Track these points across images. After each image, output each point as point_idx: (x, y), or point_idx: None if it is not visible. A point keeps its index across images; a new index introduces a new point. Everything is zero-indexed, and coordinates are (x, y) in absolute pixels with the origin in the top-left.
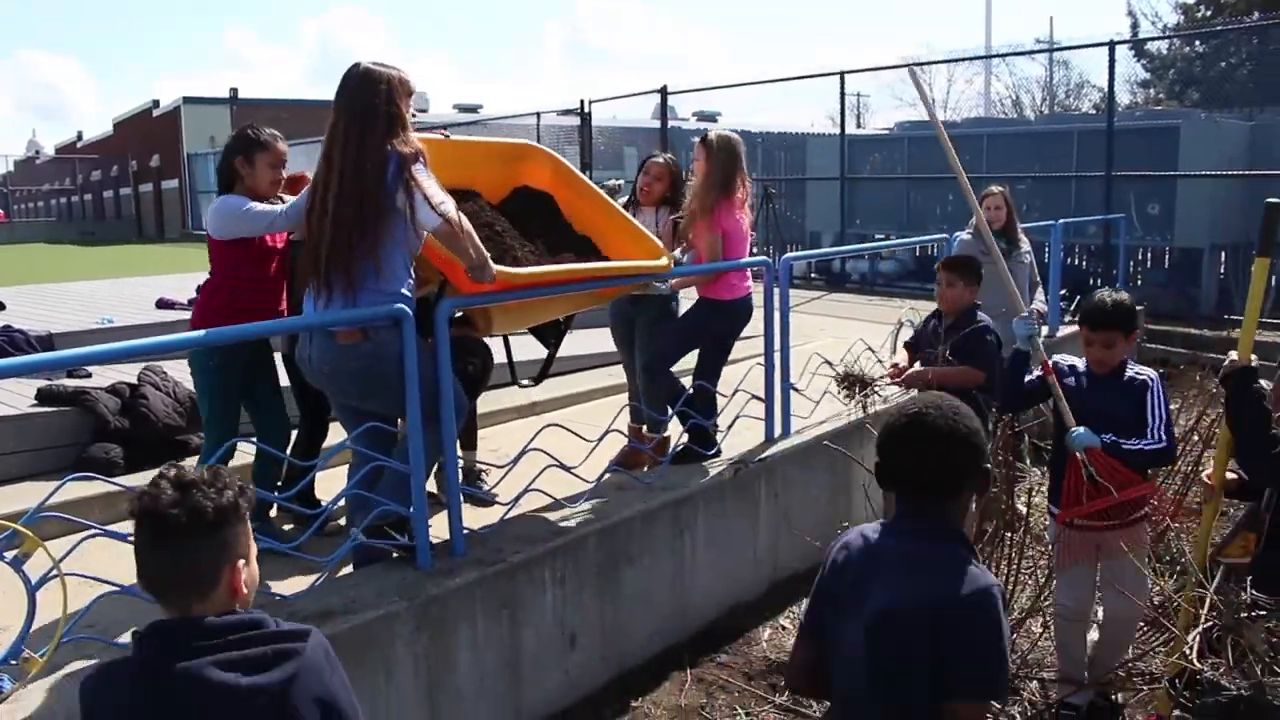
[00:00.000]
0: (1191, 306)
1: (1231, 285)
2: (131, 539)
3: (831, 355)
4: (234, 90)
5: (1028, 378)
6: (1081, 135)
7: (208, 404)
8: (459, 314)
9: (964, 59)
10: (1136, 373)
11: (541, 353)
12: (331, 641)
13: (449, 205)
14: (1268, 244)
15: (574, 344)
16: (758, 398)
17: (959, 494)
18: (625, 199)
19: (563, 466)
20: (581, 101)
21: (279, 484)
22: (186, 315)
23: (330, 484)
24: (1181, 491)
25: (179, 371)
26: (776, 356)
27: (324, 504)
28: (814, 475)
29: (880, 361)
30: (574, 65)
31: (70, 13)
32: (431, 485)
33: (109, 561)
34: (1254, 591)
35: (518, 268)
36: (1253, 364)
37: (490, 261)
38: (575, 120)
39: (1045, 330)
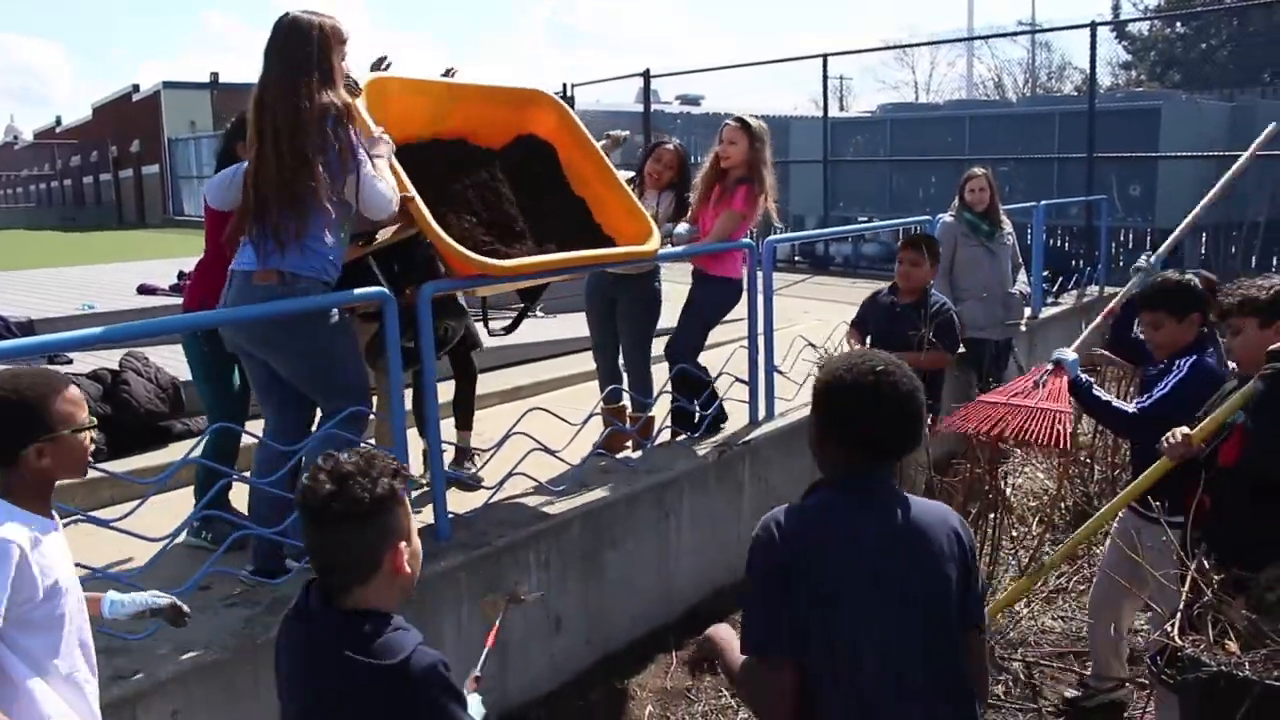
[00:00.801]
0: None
1: (1213, 265)
2: (115, 524)
3: (815, 338)
4: (214, 75)
5: None
6: (1063, 117)
7: (200, 388)
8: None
9: (946, 41)
10: (1181, 360)
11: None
12: None
13: (391, 195)
14: None
15: (556, 328)
16: (742, 380)
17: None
18: (629, 177)
19: (547, 450)
20: (564, 85)
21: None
22: (168, 301)
23: None
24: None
25: (161, 357)
26: (760, 339)
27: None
28: (797, 458)
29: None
30: (556, 47)
31: None
32: (418, 467)
33: (90, 547)
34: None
35: (505, 260)
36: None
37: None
38: None
39: (1027, 312)
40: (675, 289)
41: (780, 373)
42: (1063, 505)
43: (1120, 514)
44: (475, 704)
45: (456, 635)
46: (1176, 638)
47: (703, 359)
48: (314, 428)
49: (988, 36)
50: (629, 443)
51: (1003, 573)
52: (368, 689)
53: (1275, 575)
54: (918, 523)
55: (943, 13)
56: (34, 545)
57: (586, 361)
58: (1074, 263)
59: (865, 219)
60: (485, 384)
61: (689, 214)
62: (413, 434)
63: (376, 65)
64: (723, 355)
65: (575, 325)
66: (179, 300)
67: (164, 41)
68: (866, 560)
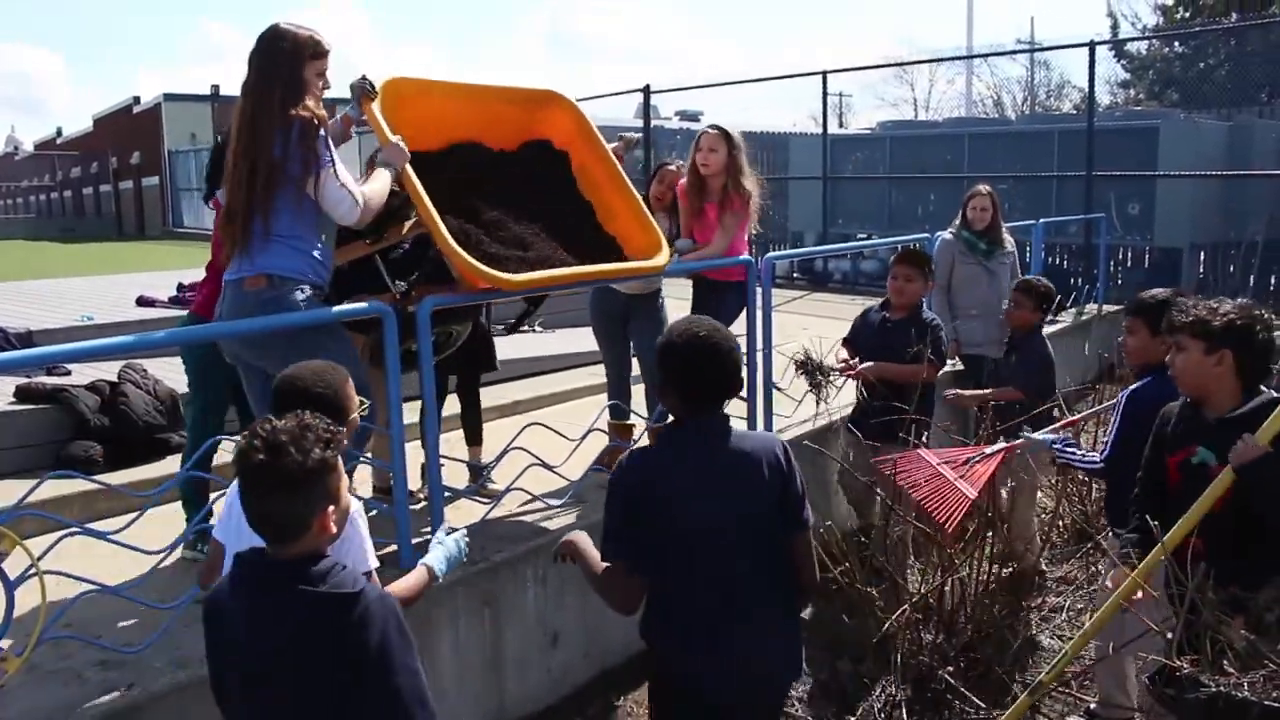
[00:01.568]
0: None
1: (1211, 284)
2: (112, 537)
3: (814, 355)
4: (215, 87)
5: None
6: (1062, 135)
7: (191, 395)
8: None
9: (945, 59)
10: (1123, 391)
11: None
12: None
13: (358, 193)
14: None
15: (555, 343)
16: (740, 397)
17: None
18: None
19: (545, 465)
20: None
21: None
22: (167, 313)
23: None
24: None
25: (159, 369)
26: (759, 356)
27: None
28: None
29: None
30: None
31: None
32: (415, 482)
33: (88, 560)
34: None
35: (516, 275)
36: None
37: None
38: None
39: None
40: (676, 305)
41: (779, 389)
42: (1061, 524)
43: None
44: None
45: (454, 652)
46: (1175, 658)
47: None
48: None
49: (987, 55)
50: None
51: (999, 594)
52: (333, 618)
53: (1273, 595)
54: (744, 450)
55: (942, 30)
56: None
57: (585, 377)
58: (1073, 281)
59: (864, 236)
60: (484, 399)
61: (681, 228)
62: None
63: (359, 86)
64: None
65: (574, 340)
66: (178, 312)
67: (164, 52)
68: (701, 482)
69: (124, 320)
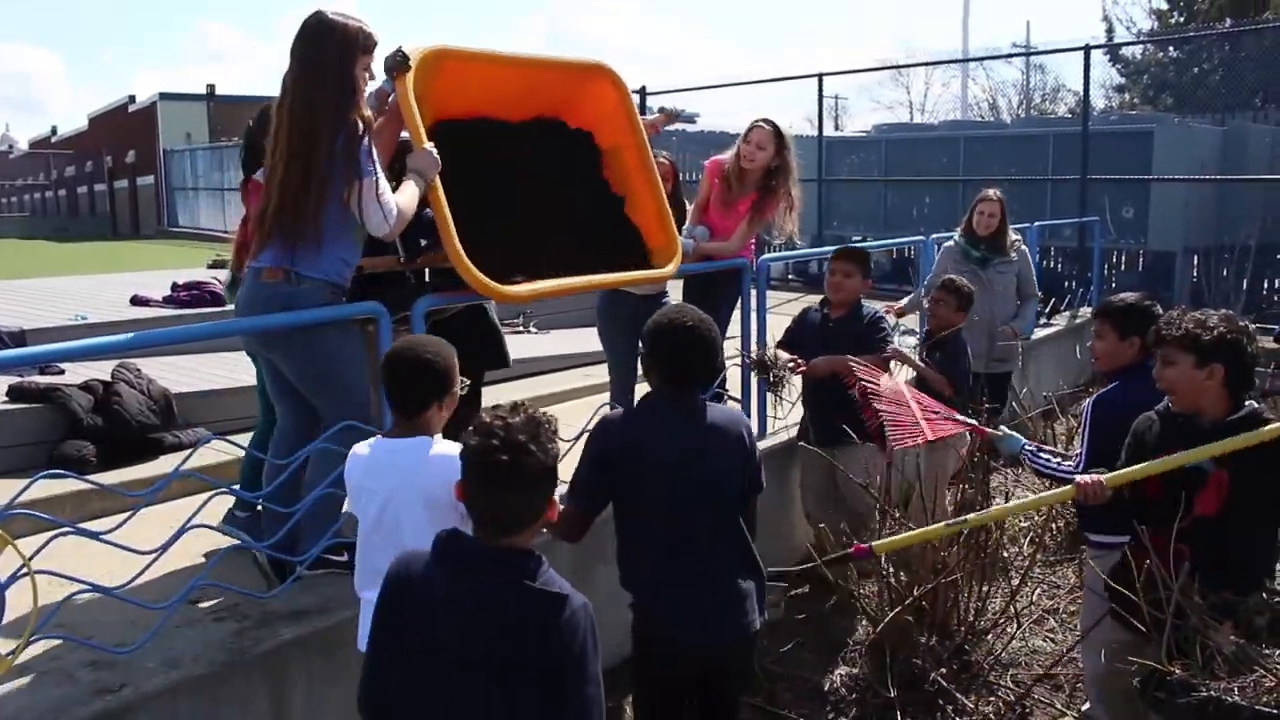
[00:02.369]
0: (1164, 309)
1: (1204, 288)
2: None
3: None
4: (211, 87)
5: None
6: (1057, 138)
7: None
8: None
9: (941, 62)
10: (1087, 402)
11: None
12: (305, 643)
13: (392, 208)
14: None
15: (550, 344)
16: (735, 398)
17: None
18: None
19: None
20: None
21: None
22: (162, 312)
23: None
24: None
25: (153, 369)
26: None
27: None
28: (789, 476)
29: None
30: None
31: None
32: None
33: (80, 560)
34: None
35: (522, 288)
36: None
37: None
38: None
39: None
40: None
41: (773, 391)
42: (1054, 526)
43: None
44: None
45: None
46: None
47: None
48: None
49: (983, 58)
50: None
51: (993, 592)
52: (540, 615)
53: (1262, 600)
54: (715, 424)
55: (938, 33)
56: None
57: (578, 378)
58: (1067, 284)
59: (859, 238)
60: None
61: (693, 211)
62: None
63: (393, 59)
64: None
65: (570, 341)
66: (172, 312)
67: (160, 51)
68: (673, 449)
69: (118, 319)
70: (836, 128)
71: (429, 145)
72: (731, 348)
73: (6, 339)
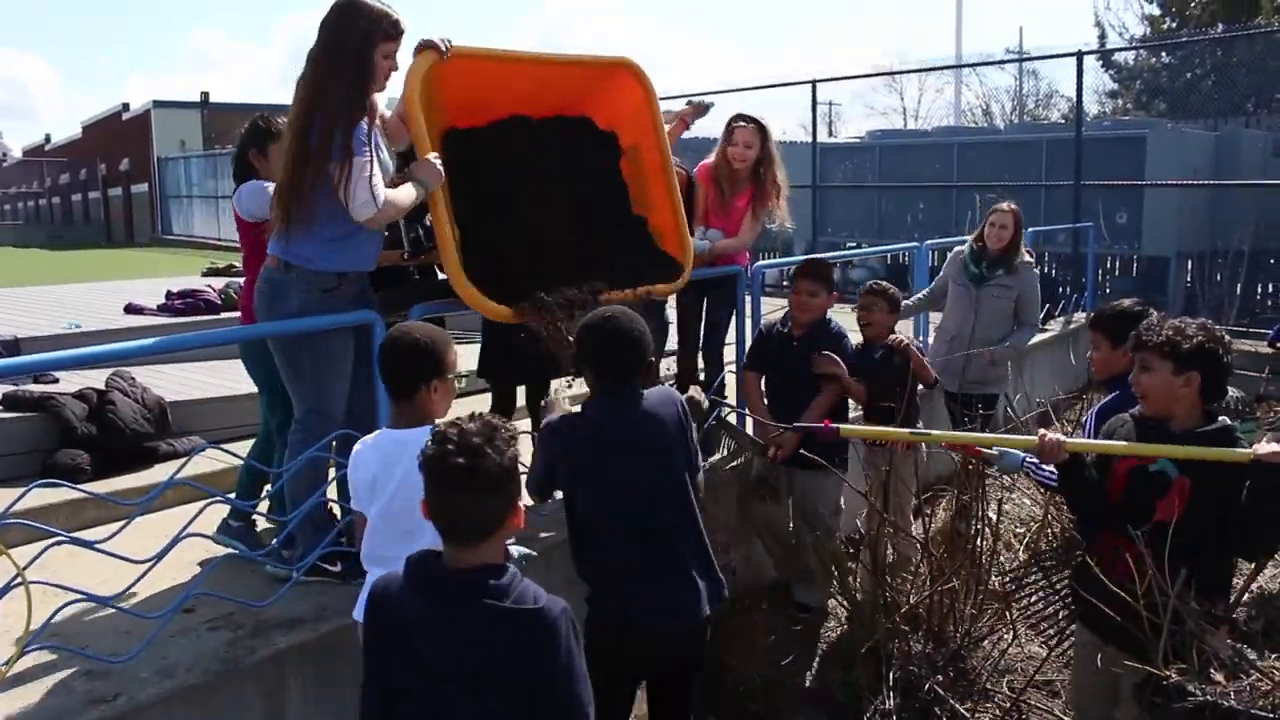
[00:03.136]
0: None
1: (1198, 293)
2: (98, 546)
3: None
4: (205, 94)
5: None
6: (1050, 144)
7: (263, 399)
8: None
9: (935, 68)
10: (1086, 419)
11: None
12: (300, 651)
13: (380, 194)
14: None
15: None
16: (733, 406)
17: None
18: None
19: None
20: None
21: None
22: (156, 320)
23: None
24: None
25: (147, 377)
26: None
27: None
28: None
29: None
30: None
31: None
32: None
33: (74, 569)
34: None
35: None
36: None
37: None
38: None
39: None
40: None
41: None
42: (1050, 532)
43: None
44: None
45: None
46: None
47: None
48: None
49: (976, 64)
50: None
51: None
52: (518, 635)
53: (1256, 606)
54: (652, 409)
55: (931, 39)
56: None
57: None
58: (1061, 290)
59: (853, 244)
60: (477, 405)
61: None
62: None
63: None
64: None
65: None
66: (166, 320)
67: (155, 59)
68: (617, 444)
69: (112, 328)
70: (830, 134)
71: (433, 156)
72: (730, 352)
73: (0, 347)
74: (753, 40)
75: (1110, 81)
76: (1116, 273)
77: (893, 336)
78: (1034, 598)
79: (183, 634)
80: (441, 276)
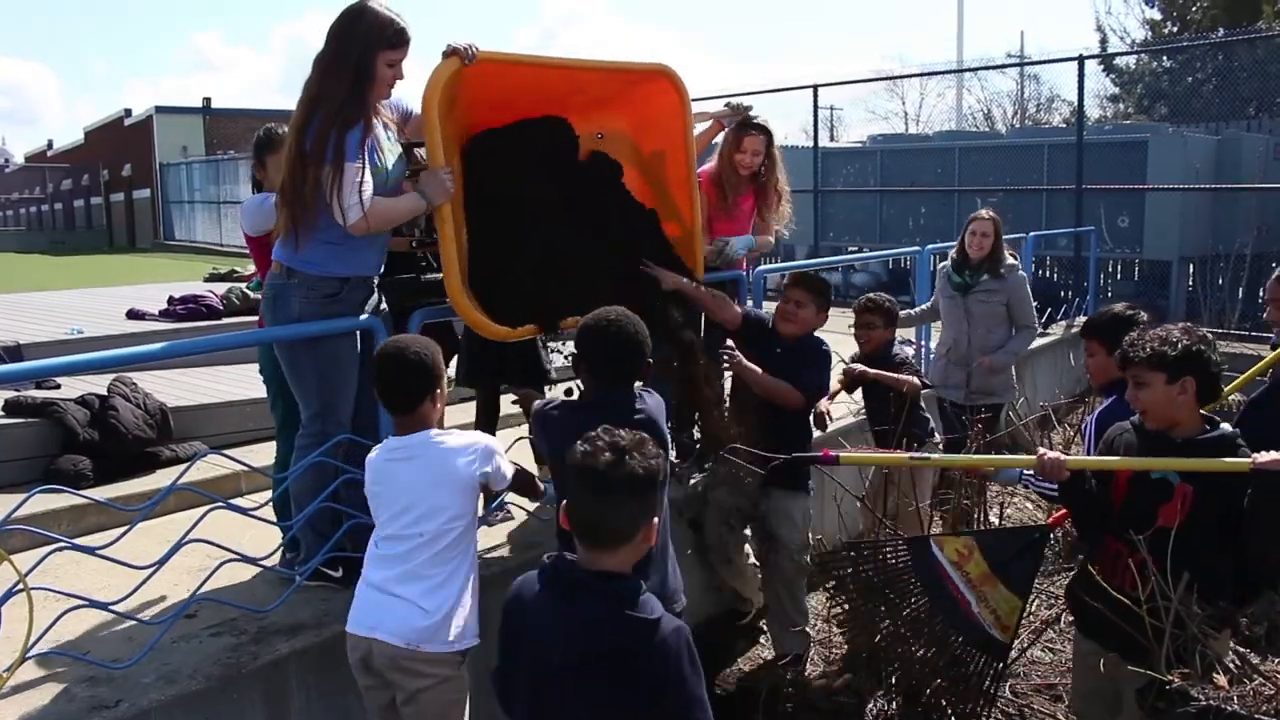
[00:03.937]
0: (1160, 318)
1: (1200, 297)
2: (100, 552)
3: None
4: (207, 100)
5: None
6: (1052, 149)
7: (278, 410)
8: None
9: (936, 73)
10: (1085, 429)
11: None
12: (304, 656)
13: (365, 203)
14: None
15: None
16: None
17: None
18: None
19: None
20: None
21: None
22: (158, 326)
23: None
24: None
25: (149, 383)
26: None
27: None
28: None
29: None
30: None
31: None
32: None
33: (77, 575)
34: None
35: (512, 328)
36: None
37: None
38: None
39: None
40: None
41: None
42: (1052, 537)
43: None
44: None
45: None
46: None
47: None
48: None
49: (977, 69)
50: None
51: None
52: (633, 641)
53: (1260, 610)
54: (642, 411)
55: (933, 44)
56: None
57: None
58: (1063, 294)
59: (855, 249)
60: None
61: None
62: None
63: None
64: None
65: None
66: (169, 325)
67: (155, 64)
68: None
69: (114, 333)
70: (832, 139)
71: (444, 172)
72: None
73: (2, 353)
74: (748, 52)
75: (1112, 85)
76: (1118, 277)
77: (845, 368)
78: (1035, 604)
79: (185, 640)
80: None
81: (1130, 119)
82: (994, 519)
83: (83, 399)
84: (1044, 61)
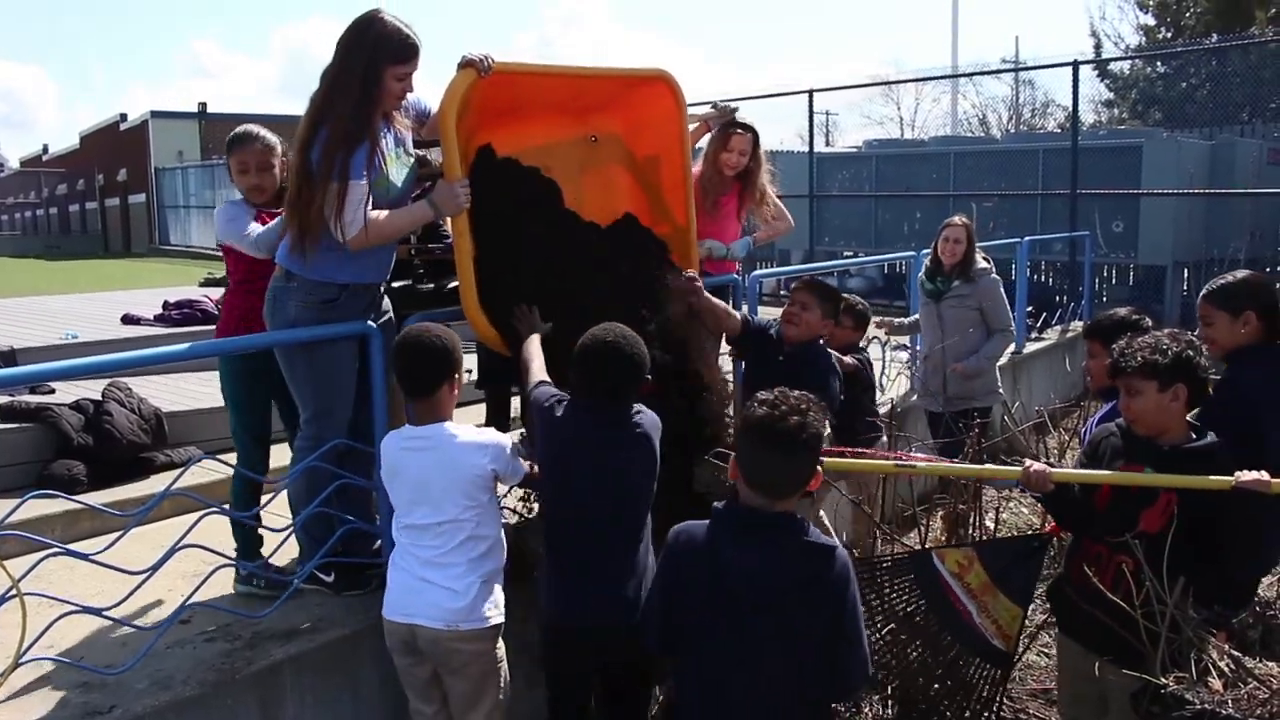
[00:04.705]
0: (1155, 323)
1: (1194, 301)
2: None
3: None
4: (203, 105)
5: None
6: (1047, 153)
7: (231, 414)
8: None
9: (931, 78)
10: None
11: None
12: (298, 661)
13: (361, 221)
14: None
15: None
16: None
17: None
18: None
19: (533, 481)
20: None
21: None
22: (153, 331)
23: None
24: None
25: (143, 388)
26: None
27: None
28: None
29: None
30: None
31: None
32: None
33: (70, 580)
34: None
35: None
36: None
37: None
38: None
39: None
40: None
41: None
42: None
43: None
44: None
45: None
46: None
47: None
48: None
49: (972, 74)
50: None
51: None
52: (824, 565)
53: (1255, 614)
54: (638, 427)
55: (928, 49)
56: None
57: None
58: (1057, 299)
59: (850, 253)
60: (470, 414)
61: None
62: None
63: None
64: None
65: None
66: (163, 330)
67: (150, 68)
68: (593, 451)
69: (109, 338)
70: (827, 143)
71: (459, 185)
72: (726, 362)
73: None
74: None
75: (1106, 91)
76: (1113, 281)
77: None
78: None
79: (179, 645)
80: (453, 284)
81: (1125, 124)
82: (989, 524)
83: (77, 404)
84: (1039, 67)
